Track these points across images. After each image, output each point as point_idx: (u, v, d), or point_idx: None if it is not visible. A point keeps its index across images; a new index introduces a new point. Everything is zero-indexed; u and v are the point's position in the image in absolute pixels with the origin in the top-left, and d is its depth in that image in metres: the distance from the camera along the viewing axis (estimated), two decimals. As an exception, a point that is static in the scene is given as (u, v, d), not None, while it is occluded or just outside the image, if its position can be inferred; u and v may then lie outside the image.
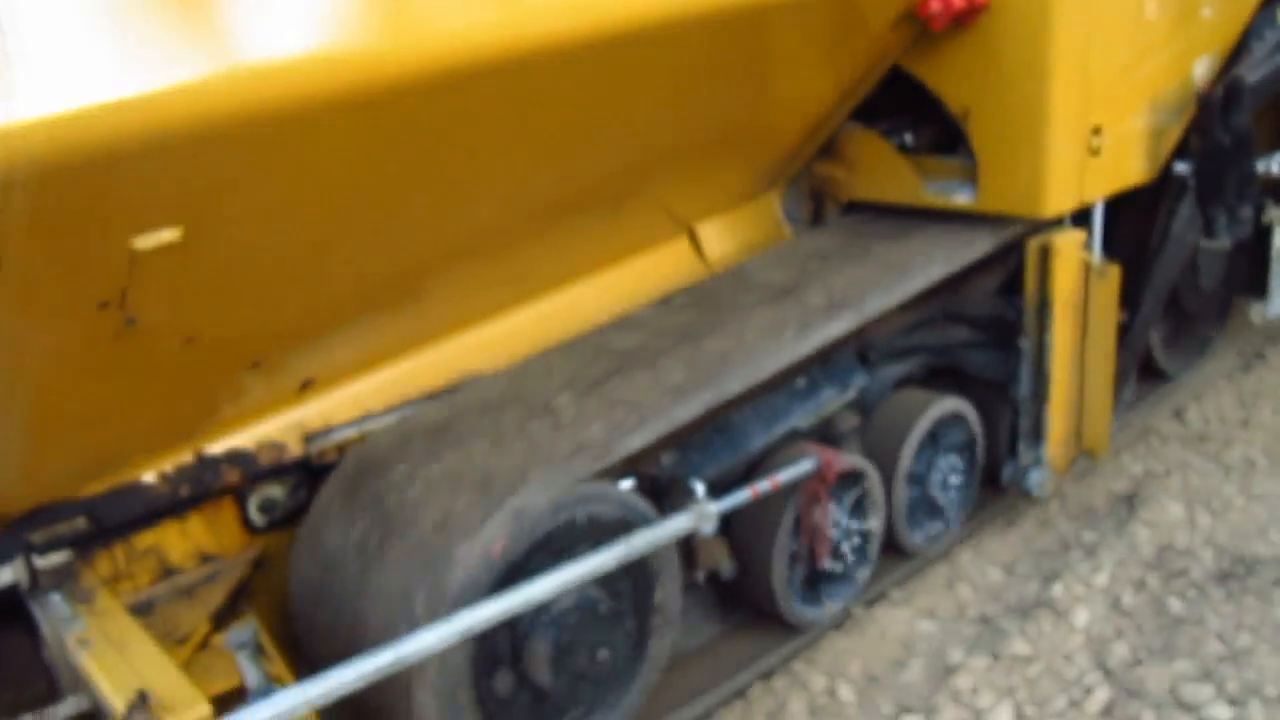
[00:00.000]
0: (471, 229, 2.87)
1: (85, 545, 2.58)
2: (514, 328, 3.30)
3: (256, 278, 2.24)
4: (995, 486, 3.82)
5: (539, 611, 2.55)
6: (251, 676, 1.99)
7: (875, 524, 3.37)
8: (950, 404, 3.57)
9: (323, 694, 1.98)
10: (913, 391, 3.64)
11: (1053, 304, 3.48)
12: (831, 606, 3.32)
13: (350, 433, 2.94)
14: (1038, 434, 3.63)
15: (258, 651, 2.01)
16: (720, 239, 3.82)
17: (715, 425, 3.12)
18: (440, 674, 2.38)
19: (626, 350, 3.08)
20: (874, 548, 3.40)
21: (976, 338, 3.74)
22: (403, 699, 2.39)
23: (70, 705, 2.20)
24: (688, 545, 3.03)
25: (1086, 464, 3.92)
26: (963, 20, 3.29)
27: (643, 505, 2.74)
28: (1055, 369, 3.55)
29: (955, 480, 3.65)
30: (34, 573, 2.49)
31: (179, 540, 2.76)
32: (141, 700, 1.91)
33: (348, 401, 2.95)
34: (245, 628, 2.00)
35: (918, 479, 3.56)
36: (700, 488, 2.85)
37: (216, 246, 2.03)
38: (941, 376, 3.86)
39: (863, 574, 3.38)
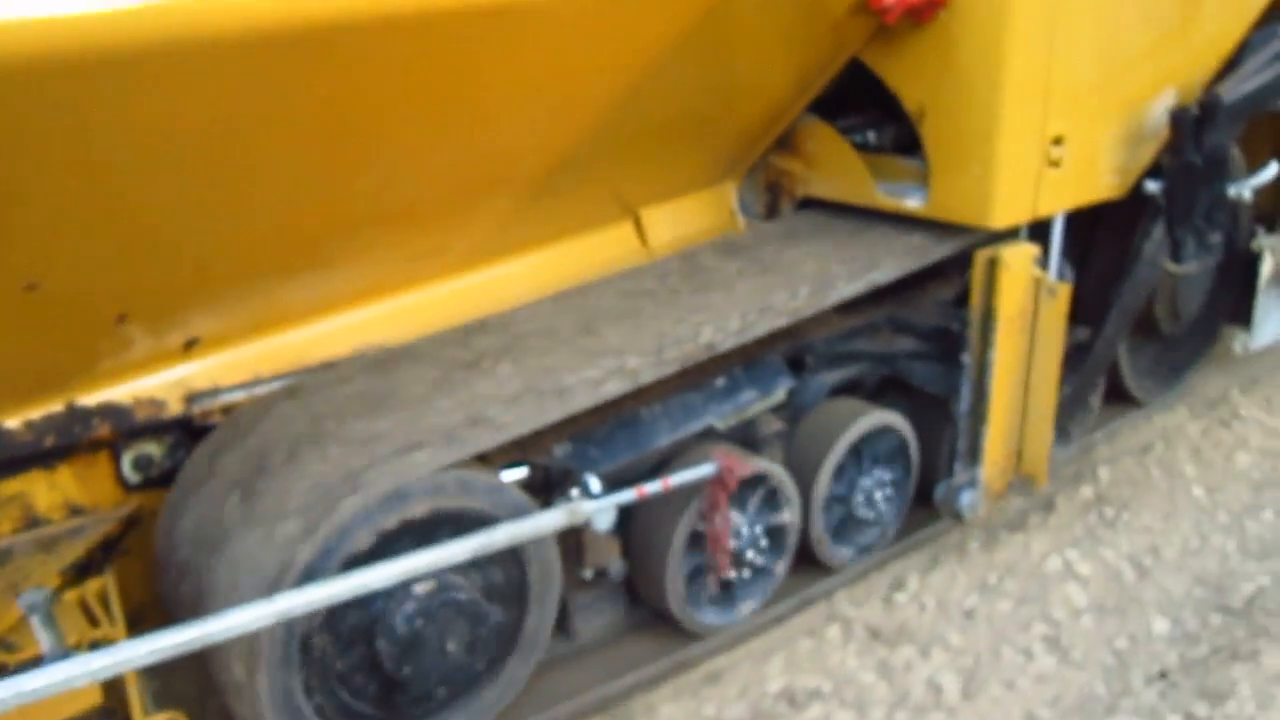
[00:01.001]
0: (384, 197, 2.76)
1: (-59, 488, 2.53)
2: (429, 302, 3.20)
3: (97, 223, 2.14)
4: (930, 507, 3.66)
5: (391, 595, 2.46)
6: (44, 640, 1.91)
7: (788, 517, 3.24)
8: (882, 416, 3.42)
9: (106, 666, 1.90)
10: (845, 400, 3.49)
11: (997, 319, 3.32)
12: (714, 618, 3.19)
13: (238, 396, 2.86)
14: (975, 454, 3.47)
15: (50, 616, 1.93)
16: (666, 226, 3.69)
17: (619, 419, 3.01)
18: (277, 651, 2.30)
19: (525, 333, 2.97)
20: (789, 541, 3.26)
21: (921, 349, 3.59)
22: (246, 671, 2.31)
23: None
24: (578, 540, 2.93)
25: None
26: (919, 16, 3.13)
27: (514, 496, 2.64)
28: (996, 387, 3.39)
29: (883, 497, 3.50)
30: (-118, 515, 2.44)
31: (46, 490, 2.70)
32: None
33: (237, 364, 2.87)
34: (39, 590, 1.93)
35: (840, 492, 3.42)
36: (595, 483, 2.74)
37: (40, 184, 1.94)
38: (892, 388, 3.72)
39: (780, 566, 3.25)
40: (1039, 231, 3.45)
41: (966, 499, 3.48)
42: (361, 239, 2.86)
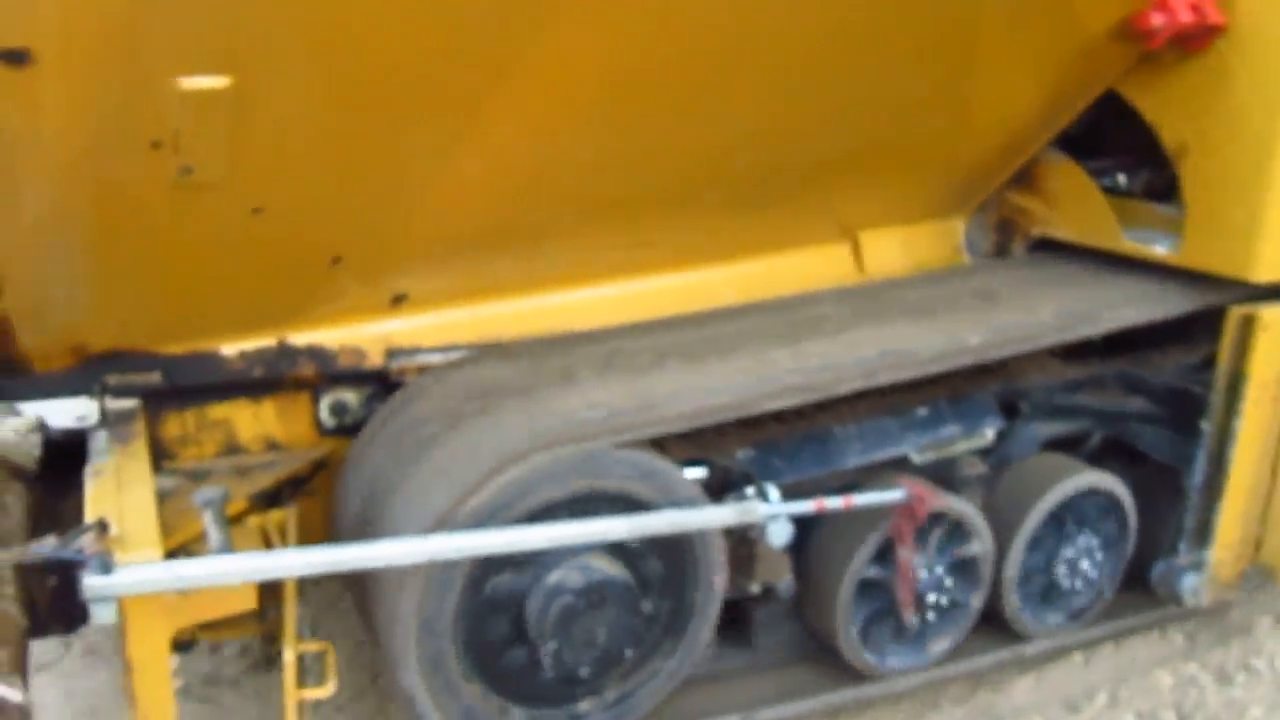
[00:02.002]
0: (601, 178, 2.78)
1: (159, 402, 2.69)
2: (631, 294, 3.18)
3: (324, 156, 2.24)
4: (1143, 586, 3.29)
5: (545, 568, 2.41)
6: (214, 535, 1.98)
7: (972, 596, 2.98)
8: (1097, 478, 3.11)
9: (266, 568, 1.94)
10: (1058, 456, 3.20)
11: (1247, 385, 2.97)
12: (893, 663, 2.96)
13: (435, 358, 2.92)
14: (1204, 534, 3.10)
15: (222, 514, 1.99)
16: (885, 253, 3.54)
17: (808, 432, 2.87)
18: (425, 598, 2.29)
19: (724, 335, 2.89)
20: (963, 622, 3.00)
21: (1153, 411, 3.25)
22: (388, 615, 2.32)
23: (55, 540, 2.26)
24: (750, 552, 2.80)
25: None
26: (1189, 44, 2.87)
27: (686, 486, 2.54)
28: (1238, 461, 3.02)
29: (1090, 568, 3.17)
30: (104, 413, 2.62)
31: (250, 421, 2.83)
32: (100, 527, 1.93)
33: (439, 327, 2.93)
34: (216, 488, 1.99)
35: (1042, 555, 3.12)
36: (774, 492, 2.60)
37: (272, 107, 2.04)
38: (1114, 453, 3.39)
39: (938, 646, 3.00)
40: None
41: (1189, 583, 3.10)
42: (571, 219, 2.87)
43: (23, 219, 2.07)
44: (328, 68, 2.04)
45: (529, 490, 2.32)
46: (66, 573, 2.52)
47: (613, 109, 2.57)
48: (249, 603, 2.05)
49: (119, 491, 2.16)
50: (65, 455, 2.76)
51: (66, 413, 2.85)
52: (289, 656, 2.14)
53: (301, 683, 2.22)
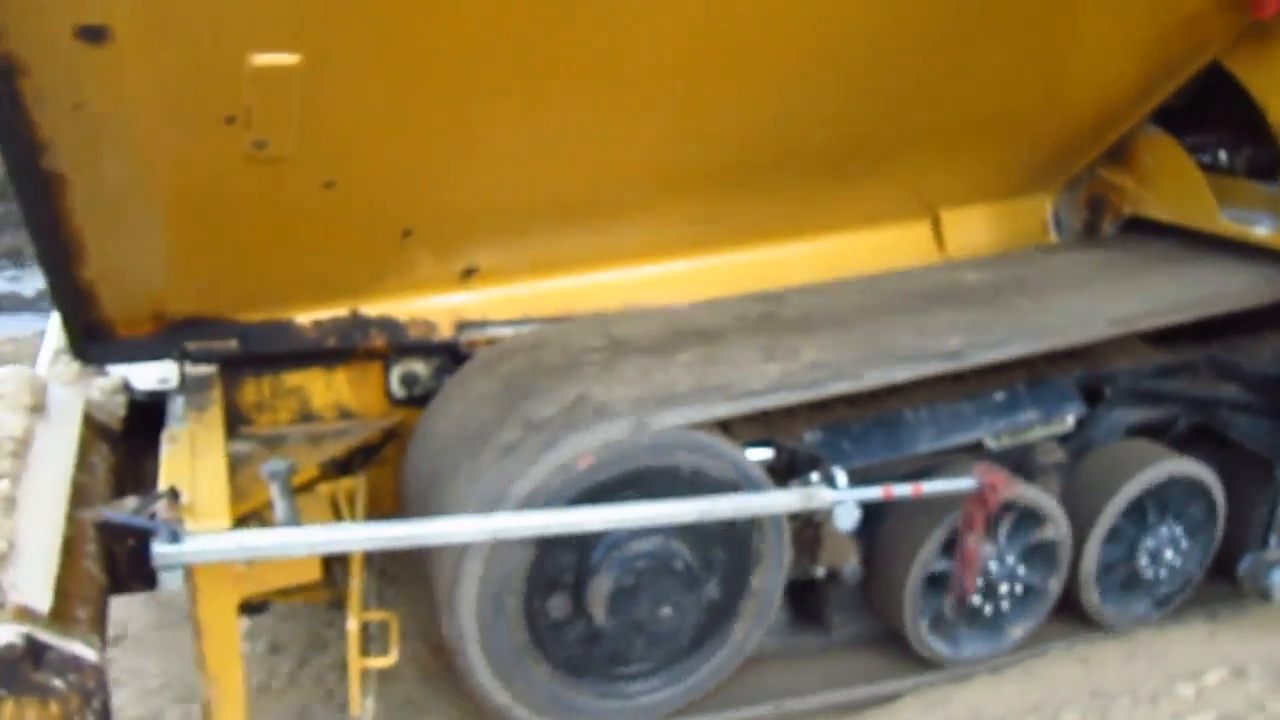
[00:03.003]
0: (673, 151, 2.74)
1: (236, 368, 2.75)
2: (705, 270, 3.14)
3: (393, 129, 2.24)
4: (1228, 579, 3.17)
5: (610, 545, 2.41)
6: (279, 507, 2.01)
7: (1050, 581, 2.91)
8: (1184, 466, 3.00)
9: (328, 542, 1.97)
10: (1142, 443, 3.09)
11: (1349, 377, 2.82)
12: (968, 650, 2.90)
13: (504, 331, 2.93)
14: (1296, 530, 2.97)
15: (288, 486, 2.03)
16: (969, 231, 3.45)
17: (879, 415, 2.81)
18: (489, 573, 2.31)
19: (797, 315, 2.84)
20: (1042, 606, 2.93)
21: (1247, 399, 3.11)
22: (450, 588, 2.34)
23: (135, 500, 2.34)
24: (815, 534, 2.76)
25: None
26: (1303, 13, 2.71)
27: (754, 471, 2.51)
28: (1337, 456, 2.88)
29: (1174, 557, 3.06)
30: (183, 378, 2.69)
31: (323, 389, 2.88)
32: (172, 495, 1.98)
33: (509, 301, 2.94)
34: (282, 461, 2.03)
35: (1124, 542, 3.03)
36: (841, 476, 2.55)
37: (342, 83, 2.05)
38: (1202, 440, 3.26)
39: (1016, 630, 2.93)
40: None
41: (1278, 578, 2.97)
42: (643, 193, 2.84)
43: (105, 190, 2.12)
44: (396, 44, 2.04)
45: (598, 469, 2.31)
46: (142, 536, 2.63)
47: (686, 82, 2.53)
48: (313, 573, 2.10)
49: (193, 459, 2.21)
50: (148, 416, 2.85)
51: (149, 375, 2.93)
52: (352, 626, 2.18)
53: (365, 652, 2.26)
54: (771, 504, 2.42)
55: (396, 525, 2.05)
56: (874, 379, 2.59)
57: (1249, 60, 2.93)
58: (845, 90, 2.77)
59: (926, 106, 2.96)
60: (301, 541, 1.94)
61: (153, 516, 1.92)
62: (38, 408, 2.55)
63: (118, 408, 2.90)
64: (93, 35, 1.79)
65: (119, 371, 2.92)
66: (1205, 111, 3.28)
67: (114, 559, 2.48)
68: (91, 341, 2.55)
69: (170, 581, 1.86)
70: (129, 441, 2.84)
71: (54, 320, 3.31)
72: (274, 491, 2.03)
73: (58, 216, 2.12)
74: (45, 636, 1.88)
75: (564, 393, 2.47)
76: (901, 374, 2.61)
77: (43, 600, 1.94)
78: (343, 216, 2.44)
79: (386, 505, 2.90)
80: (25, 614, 1.90)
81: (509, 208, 2.68)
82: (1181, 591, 3.13)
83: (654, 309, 2.97)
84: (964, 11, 2.67)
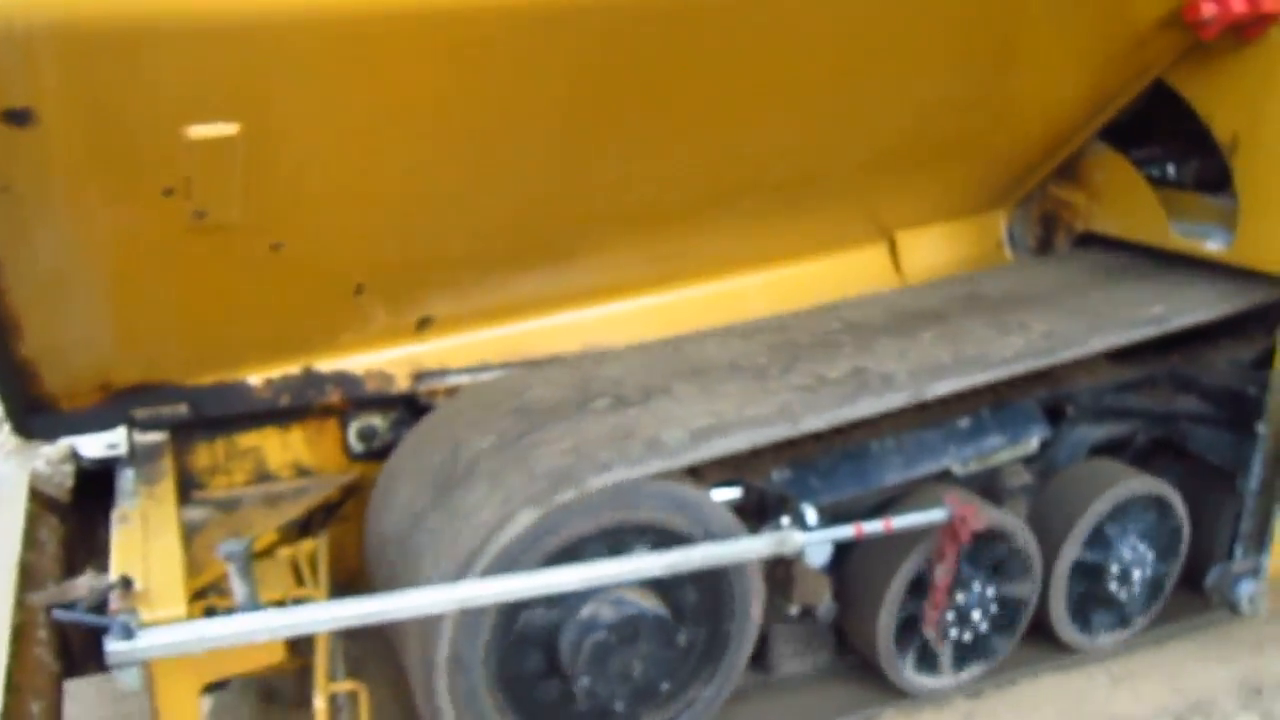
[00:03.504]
0: (627, 192, 2.71)
1: (187, 432, 2.67)
2: (664, 307, 3.11)
3: (337, 192, 2.19)
4: (1195, 591, 3.18)
5: (575, 606, 2.37)
6: (238, 590, 1.95)
7: (1024, 591, 2.90)
8: (1147, 484, 3.01)
9: (291, 625, 1.90)
10: (1106, 462, 3.10)
11: (1305, 389, 2.84)
12: (947, 677, 2.89)
13: (463, 379, 2.88)
14: (1261, 539, 2.99)
15: (247, 567, 1.96)
16: (924, 253, 3.45)
17: (845, 449, 2.79)
18: (456, 636, 2.25)
19: (744, 354, 2.81)
20: (1020, 621, 2.93)
21: (1206, 412, 3.13)
22: (418, 656, 2.28)
23: (89, 579, 2.26)
24: (787, 573, 2.73)
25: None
26: (1244, 33, 2.73)
27: (721, 516, 2.48)
28: (1297, 467, 2.90)
29: (1140, 577, 3.07)
30: (132, 447, 2.61)
31: (279, 449, 2.81)
32: (124, 584, 1.91)
33: (467, 348, 2.89)
34: (239, 541, 1.96)
35: (1090, 563, 3.03)
36: (811, 514, 2.53)
37: (283, 150, 1.99)
38: (1162, 454, 3.28)
39: (978, 668, 2.93)
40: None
41: (1245, 589, 3.00)
42: (599, 235, 2.81)
43: (39, 268, 2.04)
44: (339, 106, 1.99)
45: (559, 526, 2.26)
46: (100, 608, 2.54)
47: (640, 123, 2.50)
48: (277, 656, 2.03)
49: (145, 541, 2.14)
50: (98, 483, 2.77)
51: (98, 442, 2.85)
52: (320, 704, 2.11)
53: (335, 725, 2.20)
54: (743, 551, 2.38)
55: (360, 602, 1.98)
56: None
57: (1192, 78, 2.95)
58: (799, 123, 2.75)
59: (879, 133, 2.96)
60: (263, 627, 1.87)
61: (103, 609, 1.84)
62: (-20, 487, 2.46)
63: (65, 478, 2.81)
64: (17, 118, 1.72)
65: (65, 440, 2.85)
66: (1151, 125, 3.30)
67: (68, 641, 2.41)
68: (33, 416, 2.46)
69: (127, 679, 1.79)
70: (79, 511, 2.76)
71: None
72: (232, 573, 1.96)
73: (-10, 294, 2.04)
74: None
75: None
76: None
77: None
78: (292, 277, 2.38)
79: (351, 561, 2.84)
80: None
81: (462, 257, 2.64)
82: (1148, 610, 3.14)
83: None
84: (913, 41, 2.66)
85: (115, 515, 2.29)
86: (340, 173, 2.14)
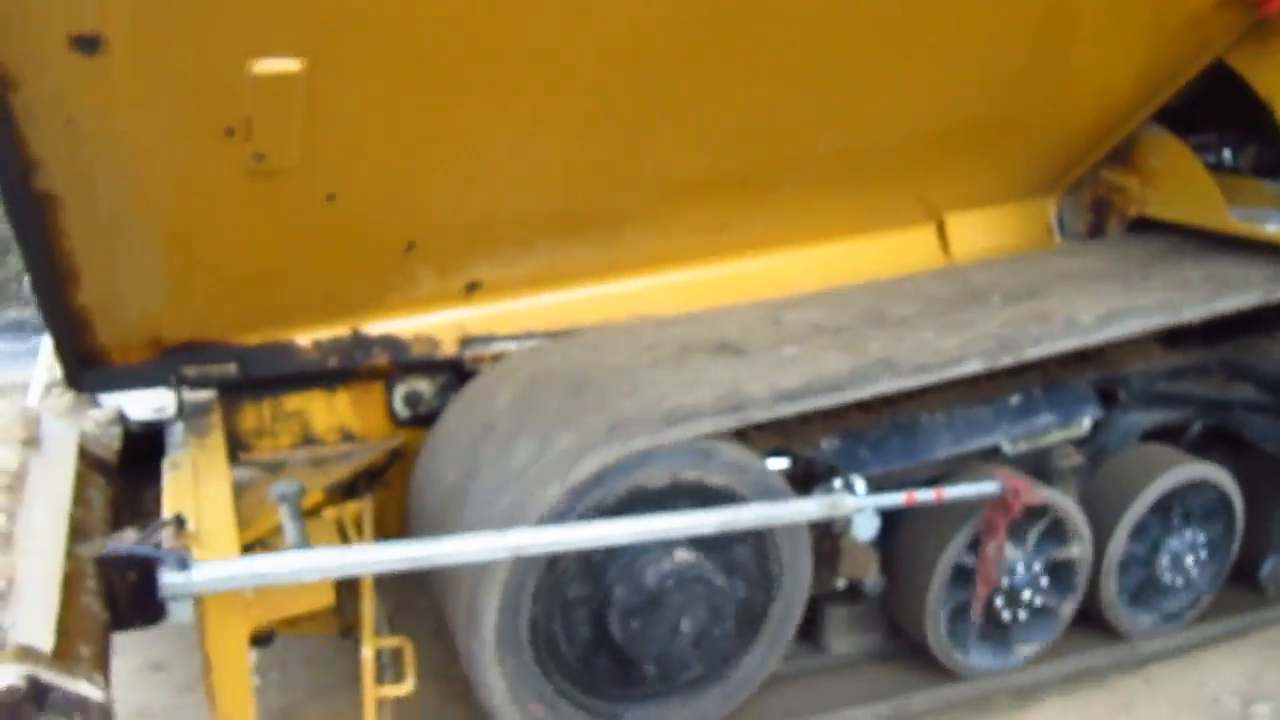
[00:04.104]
0: (676, 161, 2.70)
1: (235, 394, 2.67)
2: (707, 279, 3.09)
3: (394, 141, 2.18)
4: (1250, 584, 3.12)
5: (623, 562, 2.34)
6: (290, 530, 1.94)
7: (1067, 595, 2.85)
8: (1201, 470, 2.95)
9: (343, 565, 1.89)
10: (1159, 447, 3.04)
11: (1366, 372, 2.78)
12: (982, 661, 2.84)
13: (509, 346, 2.86)
14: (1318, 529, 2.93)
15: (298, 509, 1.95)
16: (972, 235, 3.41)
17: (895, 421, 2.75)
18: (505, 592, 2.23)
19: (805, 323, 2.78)
20: (1058, 621, 2.87)
21: (1262, 399, 3.08)
22: (469, 611, 2.26)
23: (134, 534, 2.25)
24: (834, 546, 2.69)
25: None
26: (1308, 7, 2.70)
27: (771, 478, 2.45)
28: (1356, 454, 2.84)
29: (1194, 564, 3.01)
30: (181, 404, 2.61)
31: (325, 412, 2.80)
32: (178, 523, 1.91)
33: (513, 315, 2.88)
34: (292, 482, 1.95)
35: (1142, 551, 2.97)
36: (860, 484, 2.49)
37: (346, 90, 1.99)
38: (1217, 443, 3.22)
39: (1028, 648, 2.88)
40: None
41: (1301, 581, 2.93)
42: (649, 203, 2.80)
43: (99, 209, 2.04)
44: (402, 48, 1.99)
45: (614, 481, 2.24)
46: (146, 567, 2.54)
47: (693, 88, 2.49)
48: (326, 599, 2.01)
49: (196, 486, 2.13)
50: (144, 447, 2.77)
51: (145, 404, 2.85)
52: (368, 653, 2.09)
53: (380, 679, 2.18)
54: (795, 512, 2.35)
55: (412, 545, 1.97)
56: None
57: (1254, 58, 2.91)
58: (851, 96, 2.73)
59: (931, 110, 2.93)
60: (315, 566, 1.86)
61: (158, 546, 1.83)
62: (32, 441, 2.46)
63: (113, 439, 2.81)
64: (86, 45, 1.73)
65: (113, 402, 2.85)
66: (1207, 111, 3.26)
67: (115, 595, 2.40)
68: (86, 370, 2.47)
69: (179, 613, 1.78)
70: (126, 474, 2.76)
71: (43, 352, 3.23)
72: (284, 514, 1.95)
73: (50, 239, 2.05)
74: (49, 677, 1.79)
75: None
76: None
77: (45, 639, 1.85)
78: (345, 231, 2.38)
79: (391, 529, 2.82)
80: (27, 654, 1.81)
81: (514, 219, 2.63)
82: (1199, 601, 3.08)
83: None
84: (968, 16, 2.64)
85: (166, 463, 2.29)
86: (398, 121, 2.14)
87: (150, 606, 2.54)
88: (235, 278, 2.40)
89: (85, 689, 1.81)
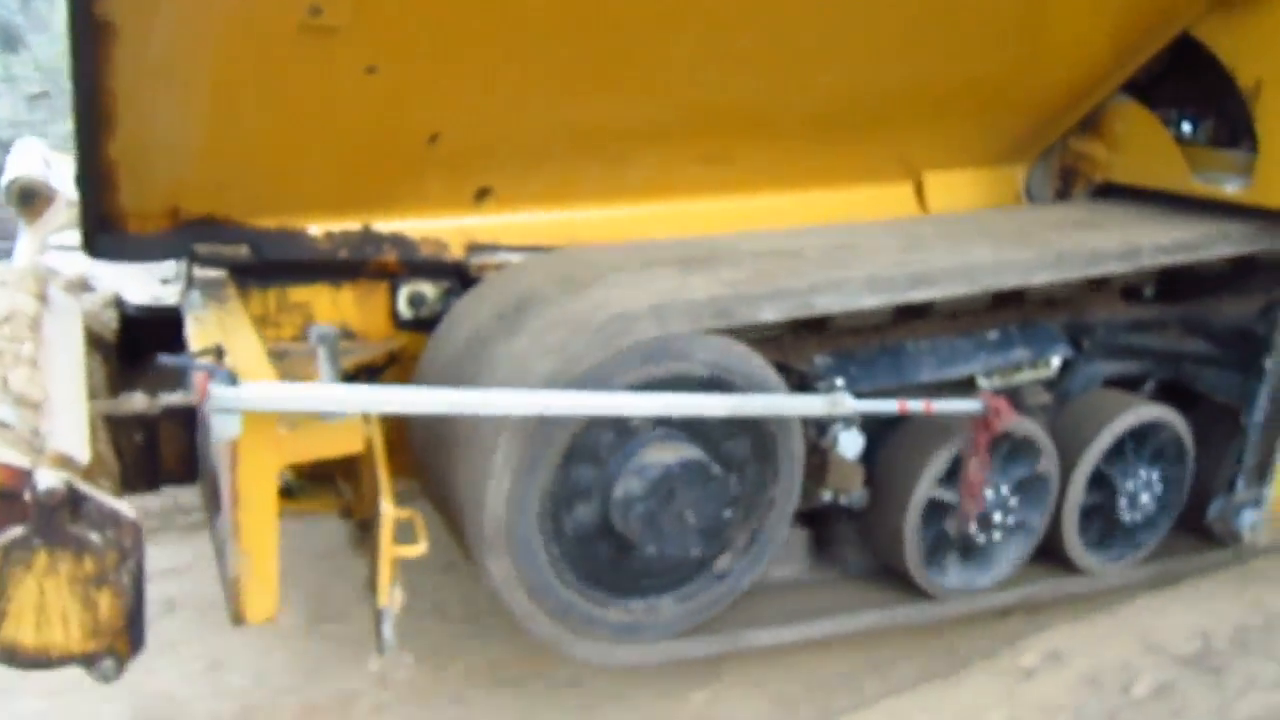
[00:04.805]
0: (687, 95, 2.82)
1: (243, 276, 2.69)
2: (708, 212, 3.20)
3: (444, 19, 2.26)
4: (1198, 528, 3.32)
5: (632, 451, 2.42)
6: (325, 370, 1.97)
7: (1035, 517, 3.01)
8: (1158, 411, 3.14)
9: (380, 401, 1.93)
10: (1119, 392, 3.24)
11: (1314, 323, 3.00)
12: (954, 580, 2.98)
13: (514, 257, 2.92)
14: (1264, 472, 3.13)
15: (336, 350, 1.99)
16: (949, 195, 3.57)
17: (883, 344, 2.89)
18: (520, 467, 2.29)
19: (800, 248, 2.91)
20: (1024, 545, 3.03)
21: (1215, 352, 3.29)
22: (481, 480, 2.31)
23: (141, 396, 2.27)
24: (821, 460, 2.80)
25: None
26: (1271, -20, 2.93)
27: (772, 375, 2.56)
28: (1301, 400, 3.05)
29: (1149, 502, 3.19)
30: (191, 279, 2.62)
31: (329, 306, 2.82)
32: (218, 353, 1.93)
33: (519, 227, 2.94)
34: (329, 327, 1.99)
35: (1102, 486, 3.15)
36: (850, 398, 2.62)
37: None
38: (1169, 397, 3.42)
39: (997, 570, 3.03)
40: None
41: (1248, 519, 3.14)
42: (662, 124, 2.89)
43: (151, 50, 2.07)
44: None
45: (631, 364, 2.32)
46: (150, 430, 2.54)
47: (703, 13, 2.61)
48: (356, 444, 2.04)
49: (225, 334, 2.15)
50: (140, 334, 2.77)
51: (143, 290, 2.86)
52: (387, 510, 2.11)
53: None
54: (798, 406, 2.46)
55: (450, 393, 2.03)
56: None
57: (1216, 27, 3.13)
58: (846, 36, 2.89)
59: (917, 65, 3.10)
60: (356, 400, 1.90)
61: (208, 361, 1.86)
62: (44, 298, 2.45)
63: (110, 321, 2.80)
64: None
65: (111, 287, 2.85)
66: (1167, 87, 3.49)
67: (120, 455, 2.40)
68: (103, 234, 2.47)
69: (227, 428, 1.79)
70: (122, 357, 2.76)
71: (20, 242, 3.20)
72: (321, 356, 1.99)
73: (100, 74, 2.06)
74: (85, 487, 1.80)
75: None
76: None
77: (81, 452, 1.86)
78: (377, 109, 2.43)
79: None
80: (66, 461, 1.82)
81: (534, 125, 2.70)
82: (1153, 537, 3.27)
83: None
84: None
85: (189, 318, 2.29)
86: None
87: (152, 471, 2.55)
88: (265, 147, 2.43)
89: (119, 505, 1.83)
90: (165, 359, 1.86)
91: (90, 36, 1.97)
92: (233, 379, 1.79)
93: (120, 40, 2.01)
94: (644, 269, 2.62)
